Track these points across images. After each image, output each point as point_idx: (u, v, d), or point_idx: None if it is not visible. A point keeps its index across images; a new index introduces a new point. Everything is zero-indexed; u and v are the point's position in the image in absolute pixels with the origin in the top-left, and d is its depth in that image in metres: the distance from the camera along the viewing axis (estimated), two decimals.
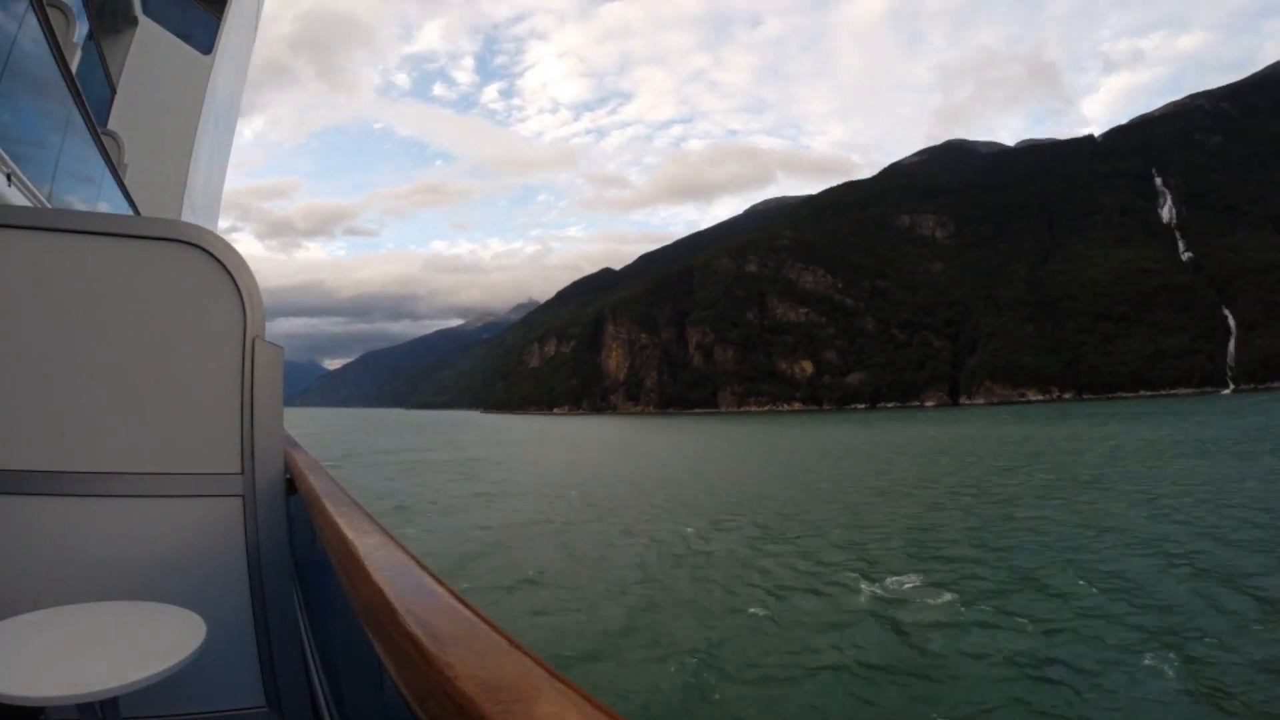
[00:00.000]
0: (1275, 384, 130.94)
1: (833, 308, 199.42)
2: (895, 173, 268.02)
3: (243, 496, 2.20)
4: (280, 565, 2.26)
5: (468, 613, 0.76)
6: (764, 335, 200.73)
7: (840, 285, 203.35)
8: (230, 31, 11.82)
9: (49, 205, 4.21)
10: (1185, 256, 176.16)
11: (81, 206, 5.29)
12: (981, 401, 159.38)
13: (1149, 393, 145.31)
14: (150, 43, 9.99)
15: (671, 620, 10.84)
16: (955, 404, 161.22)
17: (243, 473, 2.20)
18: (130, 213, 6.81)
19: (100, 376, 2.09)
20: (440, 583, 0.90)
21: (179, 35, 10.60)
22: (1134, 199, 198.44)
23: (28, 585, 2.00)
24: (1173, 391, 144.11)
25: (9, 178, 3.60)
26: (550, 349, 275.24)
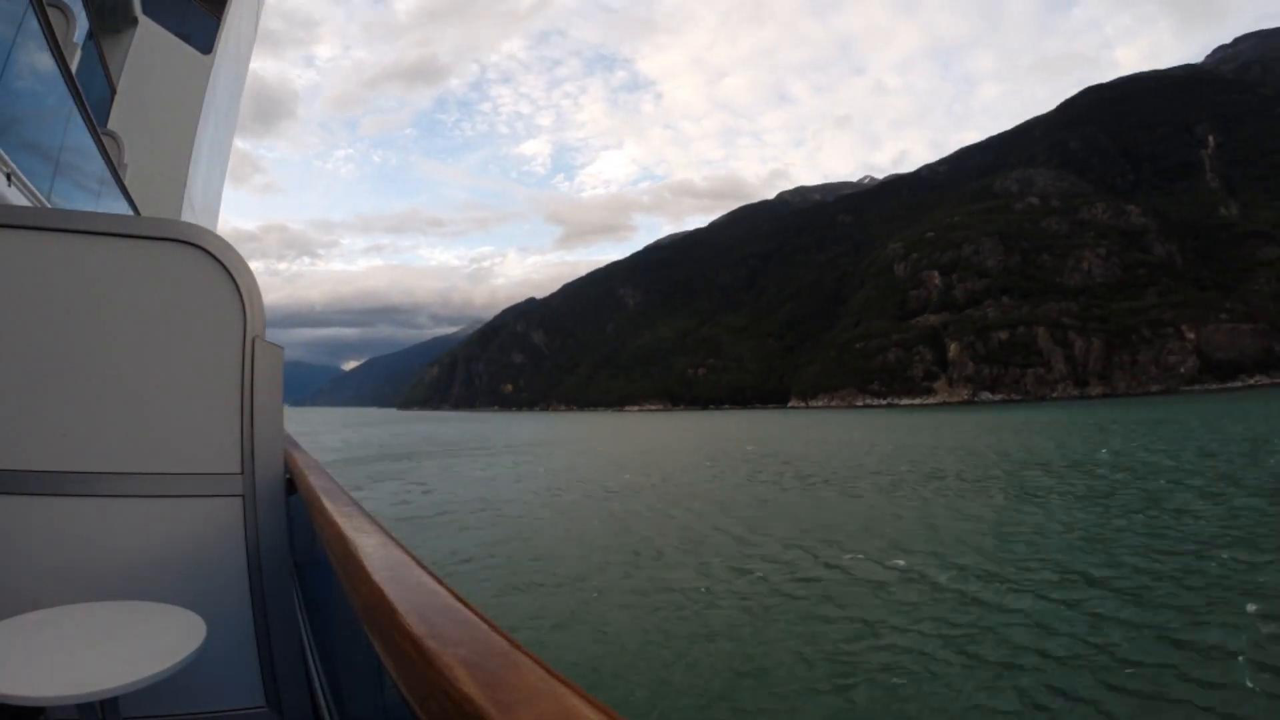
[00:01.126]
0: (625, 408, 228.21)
1: (538, 355, 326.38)
2: (672, 242, 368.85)
3: (243, 496, 2.20)
4: (280, 565, 2.26)
5: (468, 613, 0.76)
6: (502, 370, 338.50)
7: (548, 341, 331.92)
8: (230, 31, 11.81)
9: (49, 205, 4.21)
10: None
11: (81, 206, 5.28)
12: (553, 410, 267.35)
13: (589, 410, 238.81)
14: (150, 43, 9.97)
15: None
16: (548, 410, 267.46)
17: (243, 473, 2.19)
18: (130, 213, 6.81)
19: (100, 376, 2.08)
20: (440, 583, 0.90)
21: (179, 35, 10.59)
22: (733, 282, 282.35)
23: (28, 585, 1.99)
24: (596, 408, 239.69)
25: (9, 178, 3.60)
26: (435, 370, 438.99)
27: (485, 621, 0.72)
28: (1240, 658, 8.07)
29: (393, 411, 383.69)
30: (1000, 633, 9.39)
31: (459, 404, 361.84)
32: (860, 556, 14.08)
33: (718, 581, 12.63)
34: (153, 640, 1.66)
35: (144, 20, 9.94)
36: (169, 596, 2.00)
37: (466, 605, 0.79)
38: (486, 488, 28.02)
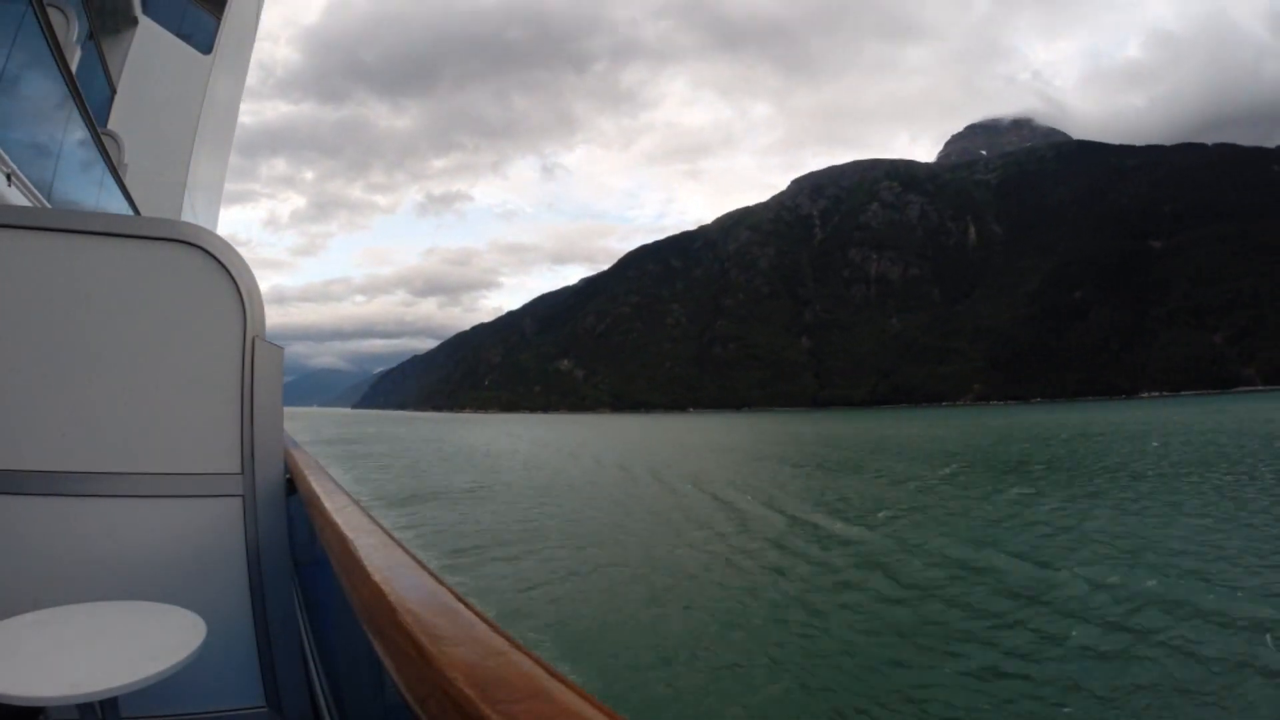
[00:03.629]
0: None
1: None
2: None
3: (243, 496, 2.20)
4: (280, 565, 2.26)
5: (468, 613, 0.76)
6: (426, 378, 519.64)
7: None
8: (230, 31, 11.82)
9: (49, 205, 4.21)
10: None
11: (81, 206, 5.29)
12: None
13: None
14: (150, 43, 9.98)
15: None
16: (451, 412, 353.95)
17: (243, 473, 2.19)
18: (130, 213, 6.81)
19: (100, 376, 2.08)
20: (440, 583, 0.90)
21: (179, 35, 10.60)
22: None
23: (28, 585, 1.99)
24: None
25: (9, 178, 3.60)
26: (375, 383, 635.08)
27: (485, 621, 0.72)
28: None
29: (347, 410, 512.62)
30: None
31: (403, 405, 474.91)
32: None
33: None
34: (153, 640, 1.66)
35: (144, 20, 9.94)
36: (169, 596, 2.00)
37: (466, 605, 0.79)
38: None
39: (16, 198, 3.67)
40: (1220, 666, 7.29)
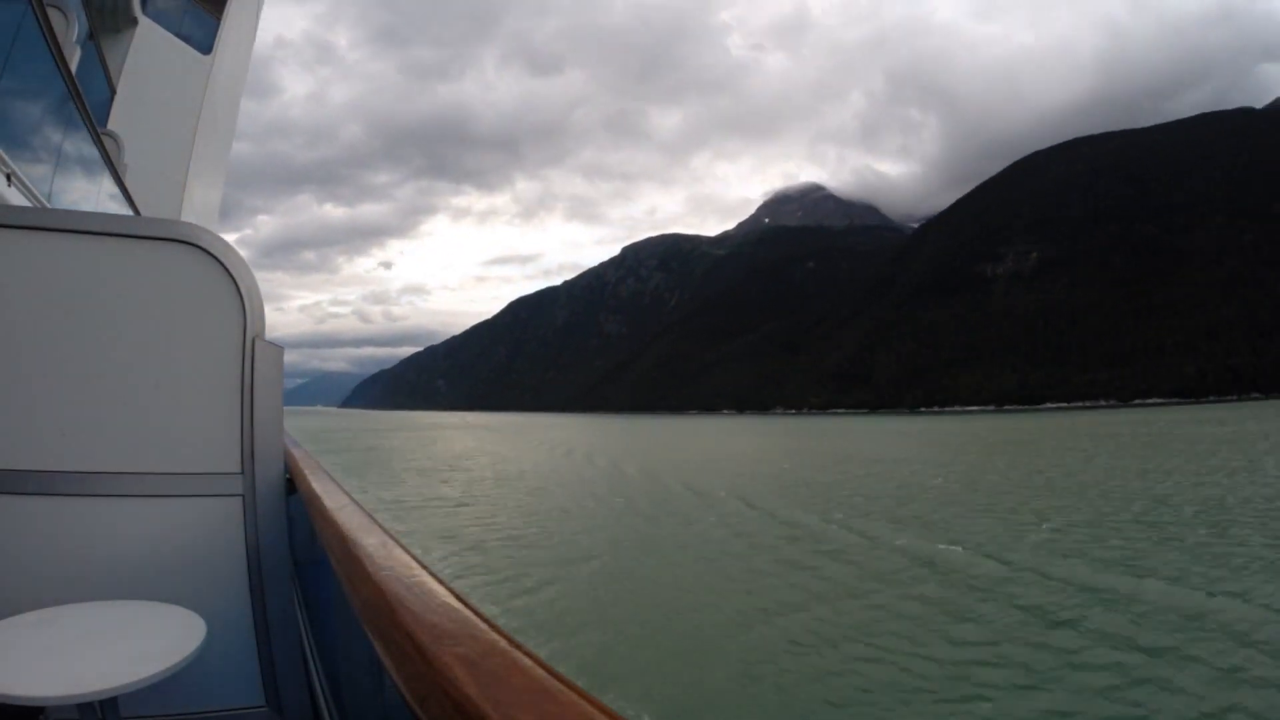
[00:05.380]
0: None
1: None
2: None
3: (243, 496, 2.20)
4: (280, 565, 2.26)
5: (468, 613, 0.76)
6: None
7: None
8: (230, 32, 11.80)
9: (49, 205, 4.21)
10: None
11: (81, 207, 5.28)
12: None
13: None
14: (150, 43, 9.96)
15: None
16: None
17: (243, 473, 2.19)
18: (130, 213, 6.80)
19: (100, 376, 2.08)
20: (440, 582, 0.90)
21: (179, 35, 10.58)
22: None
23: (28, 585, 1.99)
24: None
25: (9, 178, 3.60)
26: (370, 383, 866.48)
27: (485, 621, 0.72)
28: None
29: (334, 409, 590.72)
30: None
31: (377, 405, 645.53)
32: None
33: None
34: (153, 640, 1.66)
35: (144, 20, 9.93)
36: (169, 596, 2.00)
37: (467, 605, 0.79)
38: None
39: (16, 198, 3.66)
40: None
